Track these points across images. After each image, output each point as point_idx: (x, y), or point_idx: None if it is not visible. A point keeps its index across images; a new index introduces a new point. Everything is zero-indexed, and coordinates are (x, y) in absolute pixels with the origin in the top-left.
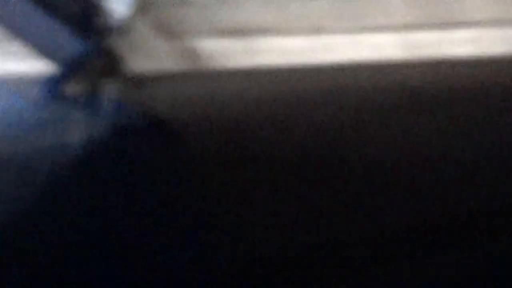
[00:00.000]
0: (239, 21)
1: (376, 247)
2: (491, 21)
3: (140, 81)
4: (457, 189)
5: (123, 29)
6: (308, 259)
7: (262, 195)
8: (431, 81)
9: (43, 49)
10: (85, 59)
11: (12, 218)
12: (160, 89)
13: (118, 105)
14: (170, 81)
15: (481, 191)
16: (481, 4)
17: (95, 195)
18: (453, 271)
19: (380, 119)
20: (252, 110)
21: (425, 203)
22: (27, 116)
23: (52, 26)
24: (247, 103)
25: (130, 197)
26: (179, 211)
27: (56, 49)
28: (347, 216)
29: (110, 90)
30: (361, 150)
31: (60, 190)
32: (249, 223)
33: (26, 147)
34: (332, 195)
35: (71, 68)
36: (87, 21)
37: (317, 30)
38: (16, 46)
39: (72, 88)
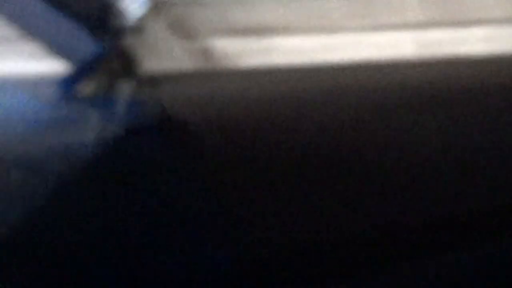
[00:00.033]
0: (254, 20)
1: (378, 247)
2: (506, 19)
3: (154, 81)
4: (476, 189)
5: (137, 29)
6: (308, 259)
7: (280, 196)
8: (446, 79)
9: (57, 49)
10: (99, 59)
11: (26, 218)
12: (175, 89)
13: (133, 105)
14: (185, 81)
15: (497, 192)
16: (495, 2)
17: (109, 195)
18: (453, 271)
19: (396, 118)
20: (270, 109)
21: (440, 204)
22: (42, 116)
23: (66, 26)
24: (265, 103)
25: (144, 197)
26: (195, 212)
27: (70, 49)
28: (355, 214)
29: (124, 90)
30: (378, 150)
31: (75, 190)
32: (266, 224)
33: (41, 147)
34: (350, 196)
35: (86, 68)
36: (101, 21)
37: (332, 28)
38: (30, 46)
39: (87, 88)
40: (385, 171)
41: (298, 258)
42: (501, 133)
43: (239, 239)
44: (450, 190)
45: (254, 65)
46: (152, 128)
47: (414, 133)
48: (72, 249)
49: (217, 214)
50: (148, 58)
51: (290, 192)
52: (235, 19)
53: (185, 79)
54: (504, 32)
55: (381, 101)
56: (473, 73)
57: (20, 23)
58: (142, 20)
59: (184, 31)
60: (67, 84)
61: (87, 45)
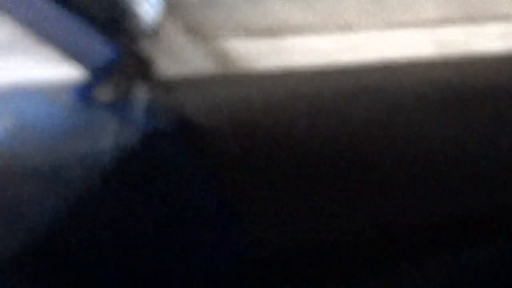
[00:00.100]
0: (269, 21)
1: (378, 247)
2: None
3: (171, 84)
4: (485, 189)
5: (153, 32)
6: (308, 259)
7: (300, 199)
8: (464, 77)
9: (73, 54)
10: (115, 63)
11: (46, 226)
12: (191, 92)
13: (150, 108)
14: (202, 84)
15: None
16: None
17: (127, 200)
18: (453, 271)
19: (414, 117)
20: (287, 112)
21: (440, 203)
22: (59, 122)
23: (82, 31)
24: (281, 105)
25: (162, 201)
26: (213, 216)
27: (86, 54)
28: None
29: (141, 94)
30: (397, 149)
31: (94, 196)
32: (273, 224)
33: (58, 153)
34: (351, 196)
35: (102, 73)
36: (117, 25)
37: (350, 27)
38: (46, 52)
39: (103, 94)
40: (399, 172)
41: (298, 258)
42: None
43: (240, 239)
44: (459, 190)
45: (272, 66)
46: (169, 131)
47: (429, 132)
48: (91, 255)
49: (231, 217)
50: (164, 61)
51: (298, 193)
52: (251, 21)
53: (202, 82)
54: None
55: (400, 102)
56: (491, 71)
57: (35, 28)
58: (158, 23)
59: (200, 33)
60: (84, 89)
61: (103, 49)
